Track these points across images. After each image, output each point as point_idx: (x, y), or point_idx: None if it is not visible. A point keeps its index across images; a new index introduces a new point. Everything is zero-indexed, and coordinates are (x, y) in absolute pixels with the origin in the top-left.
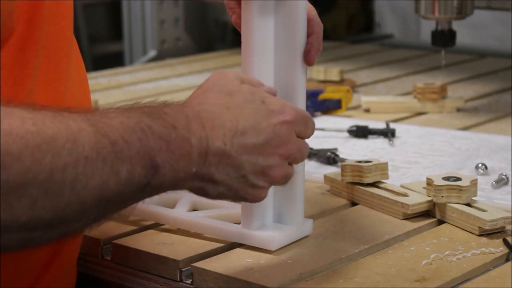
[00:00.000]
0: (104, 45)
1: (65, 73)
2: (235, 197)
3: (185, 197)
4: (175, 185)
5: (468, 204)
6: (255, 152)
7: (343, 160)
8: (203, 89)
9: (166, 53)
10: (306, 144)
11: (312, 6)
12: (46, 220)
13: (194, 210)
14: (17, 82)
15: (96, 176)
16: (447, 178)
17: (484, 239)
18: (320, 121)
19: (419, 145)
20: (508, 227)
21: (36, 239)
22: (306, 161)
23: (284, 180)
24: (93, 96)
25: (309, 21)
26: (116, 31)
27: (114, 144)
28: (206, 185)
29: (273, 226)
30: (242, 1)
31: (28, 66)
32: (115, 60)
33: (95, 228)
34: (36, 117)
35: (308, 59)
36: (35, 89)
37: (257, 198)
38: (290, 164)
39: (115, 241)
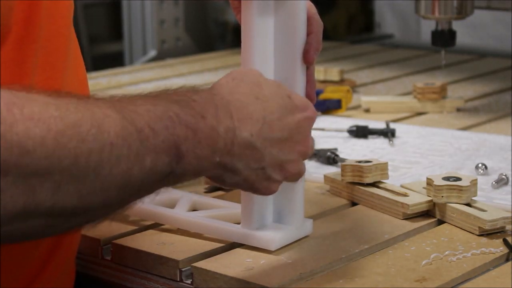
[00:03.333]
0: (104, 45)
1: (63, 72)
2: (249, 187)
3: (185, 197)
4: (198, 173)
5: (468, 204)
6: (278, 146)
7: (343, 160)
8: (232, 77)
9: (166, 53)
10: (314, 141)
11: (312, 4)
12: (70, 206)
13: (194, 210)
14: (15, 81)
15: (120, 163)
16: (447, 178)
17: (484, 239)
18: (320, 121)
19: (419, 145)
20: (508, 227)
21: (59, 226)
22: (306, 161)
23: (297, 176)
24: None
25: (309, 20)
26: (116, 31)
27: (140, 131)
28: (225, 174)
29: (273, 226)
30: (242, 1)
31: (26, 65)
32: (115, 60)
33: (117, 215)
34: (59, 103)
35: (307, 59)
36: (33, 87)
37: (269, 191)
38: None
39: (115, 241)
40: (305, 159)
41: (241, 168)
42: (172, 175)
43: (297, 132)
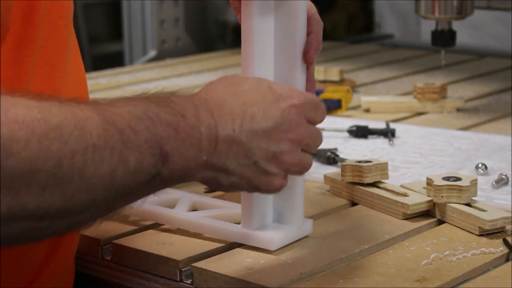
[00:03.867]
0: (104, 45)
1: (62, 72)
2: (249, 186)
3: (185, 197)
4: (186, 175)
5: (468, 204)
6: (265, 137)
7: (343, 160)
8: (210, 83)
9: (166, 53)
10: (319, 130)
11: (312, 4)
12: (55, 208)
13: (194, 210)
14: (13, 80)
15: (104, 164)
16: (447, 178)
17: (484, 239)
18: None
19: (419, 145)
20: (508, 227)
21: (44, 229)
22: None
23: (299, 168)
24: (93, 96)
25: (309, 19)
26: (116, 31)
27: (121, 132)
28: (218, 175)
29: (273, 226)
30: (242, 1)
31: (24, 65)
32: (115, 60)
33: (104, 221)
34: (42, 106)
35: (307, 59)
36: (32, 87)
37: (271, 187)
38: (304, 151)
39: (115, 241)
40: (307, 148)
41: (232, 166)
42: (159, 177)
43: (285, 121)
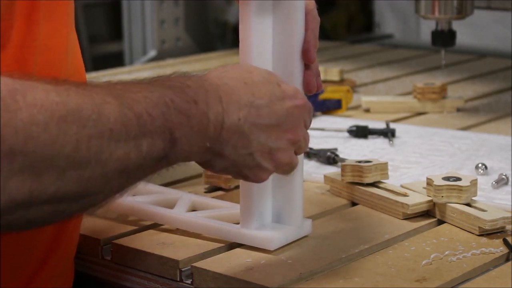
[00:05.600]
0: (104, 45)
1: (62, 71)
2: (238, 174)
3: (185, 197)
4: (188, 158)
5: (468, 204)
6: (266, 132)
7: (343, 160)
8: (223, 67)
9: (166, 53)
10: (308, 134)
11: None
12: (72, 192)
13: (194, 210)
14: None
15: (119, 148)
16: (447, 178)
17: (484, 239)
18: (320, 121)
19: (419, 145)
20: (508, 227)
21: (60, 212)
22: (306, 161)
23: (288, 168)
24: None
25: (306, 15)
26: (116, 31)
27: (139, 117)
28: (213, 158)
29: (272, 226)
30: (240, 1)
31: (28, 63)
32: (115, 60)
33: (115, 199)
34: (59, 89)
35: (308, 58)
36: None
37: (258, 179)
38: (295, 153)
39: (115, 241)
40: (298, 151)
41: (229, 153)
42: (165, 160)
43: (286, 120)
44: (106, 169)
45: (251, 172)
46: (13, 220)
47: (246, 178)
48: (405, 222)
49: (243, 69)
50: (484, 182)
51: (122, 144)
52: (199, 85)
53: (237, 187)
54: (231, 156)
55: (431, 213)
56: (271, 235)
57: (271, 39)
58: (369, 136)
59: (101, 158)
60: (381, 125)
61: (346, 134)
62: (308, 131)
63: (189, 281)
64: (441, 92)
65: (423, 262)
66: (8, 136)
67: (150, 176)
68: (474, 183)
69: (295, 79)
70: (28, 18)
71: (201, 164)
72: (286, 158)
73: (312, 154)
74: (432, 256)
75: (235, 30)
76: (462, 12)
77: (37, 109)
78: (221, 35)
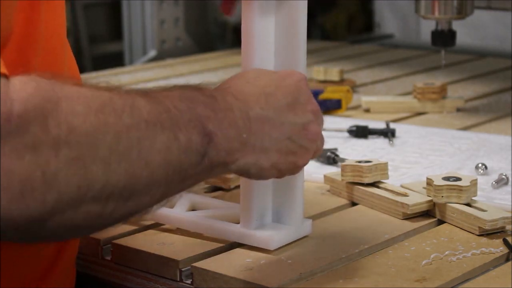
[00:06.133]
0: (104, 45)
1: (61, 72)
2: (287, 164)
3: (185, 197)
4: (231, 157)
5: (468, 204)
6: (291, 111)
7: (343, 160)
8: (222, 82)
9: (166, 53)
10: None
11: None
12: (119, 187)
13: (193, 210)
14: None
15: (158, 140)
16: (447, 178)
17: (484, 239)
18: None
19: (419, 145)
20: (508, 227)
21: (108, 215)
22: None
23: (320, 142)
24: None
25: None
26: (116, 31)
27: (168, 111)
28: (259, 158)
29: (272, 226)
30: (243, 1)
31: (30, 65)
32: (115, 60)
33: (164, 205)
34: (86, 86)
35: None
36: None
37: (305, 161)
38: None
39: (115, 241)
40: (318, 118)
41: (269, 143)
42: (208, 159)
43: (300, 94)
44: (149, 161)
45: (297, 156)
46: (62, 222)
47: (296, 165)
48: (405, 222)
49: (237, 76)
50: (484, 182)
51: (160, 136)
52: (210, 88)
53: (237, 187)
54: (273, 147)
55: (431, 213)
56: (270, 235)
57: (273, 39)
58: (369, 136)
59: (142, 149)
60: (381, 125)
61: (346, 134)
62: None
63: (189, 281)
64: (441, 92)
65: (423, 262)
66: (52, 127)
67: (198, 181)
68: (474, 183)
69: None
70: (28, 21)
71: (248, 171)
72: (318, 129)
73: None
74: (432, 256)
75: (235, 30)
76: (462, 12)
77: (75, 101)
78: (221, 35)
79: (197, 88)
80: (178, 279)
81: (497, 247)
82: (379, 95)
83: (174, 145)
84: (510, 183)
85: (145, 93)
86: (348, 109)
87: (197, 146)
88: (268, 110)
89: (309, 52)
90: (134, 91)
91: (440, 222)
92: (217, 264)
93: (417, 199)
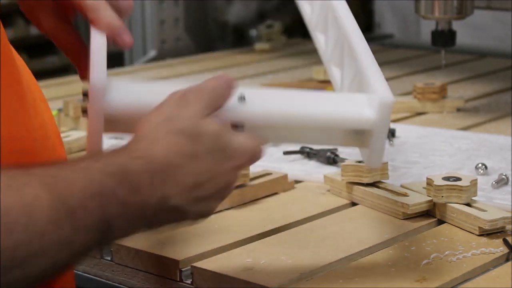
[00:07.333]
0: None
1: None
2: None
3: None
4: (125, 237)
5: (468, 204)
6: (204, 199)
7: (343, 160)
8: (166, 117)
9: (166, 53)
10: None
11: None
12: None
13: None
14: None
15: (49, 251)
16: (447, 178)
17: (484, 239)
18: None
19: (419, 145)
20: (508, 227)
21: None
22: (306, 161)
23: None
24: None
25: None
26: None
27: (73, 212)
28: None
29: None
30: None
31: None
32: (115, 60)
33: None
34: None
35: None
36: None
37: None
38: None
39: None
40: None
41: (166, 224)
42: (98, 246)
43: (225, 183)
44: (30, 275)
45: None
46: None
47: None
48: (405, 222)
49: (191, 133)
50: (484, 182)
51: (53, 246)
52: (144, 169)
53: (237, 187)
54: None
55: (431, 213)
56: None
57: None
58: None
59: (26, 267)
60: None
61: None
62: None
63: (189, 281)
64: (441, 92)
65: (423, 262)
66: None
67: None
68: (474, 183)
69: None
70: None
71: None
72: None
73: (312, 154)
74: (432, 256)
75: (235, 30)
76: (462, 12)
77: None
78: (221, 35)
79: (126, 173)
80: (178, 279)
81: (497, 247)
82: None
83: (65, 251)
84: (510, 183)
85: (54, 186)
86: None
87: (93, 242)
88: (187, 204)
89: (309, 52)
90: (45, 182)
91: (440, 222)
92: (217, 264)
93: (417, 199)
